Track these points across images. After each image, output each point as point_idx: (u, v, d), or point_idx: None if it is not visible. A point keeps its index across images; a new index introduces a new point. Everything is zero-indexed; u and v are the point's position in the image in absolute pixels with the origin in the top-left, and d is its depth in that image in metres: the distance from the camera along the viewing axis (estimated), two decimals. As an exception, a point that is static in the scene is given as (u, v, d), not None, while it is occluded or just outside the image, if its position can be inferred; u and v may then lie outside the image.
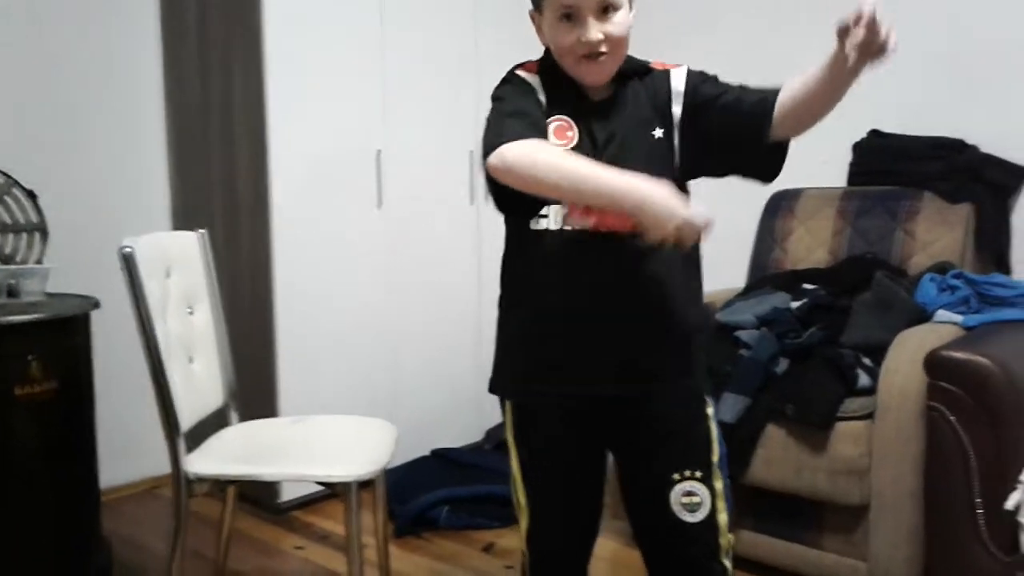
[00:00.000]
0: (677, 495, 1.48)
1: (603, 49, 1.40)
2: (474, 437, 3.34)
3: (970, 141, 2.71)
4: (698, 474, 1.48)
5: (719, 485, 1.51)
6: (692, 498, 1.48)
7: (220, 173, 2.94)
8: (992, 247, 2.62)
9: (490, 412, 3.36)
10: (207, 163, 2.98)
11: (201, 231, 2.25)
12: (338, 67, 2.89)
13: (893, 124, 2.88)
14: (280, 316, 2.81)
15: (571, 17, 1.39)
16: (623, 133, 1.43)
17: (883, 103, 2.92)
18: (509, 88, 1.49)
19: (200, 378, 2.14)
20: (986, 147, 2.69)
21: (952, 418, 1.95)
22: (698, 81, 1.47)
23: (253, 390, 2.78)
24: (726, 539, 1.51)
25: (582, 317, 1.44)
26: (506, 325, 1.58)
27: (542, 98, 1.46)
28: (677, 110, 1.46)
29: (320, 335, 2.90)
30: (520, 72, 1.52)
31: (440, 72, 3.20)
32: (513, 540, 2.69)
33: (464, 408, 3.33)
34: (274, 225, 2.78)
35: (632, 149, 1.42)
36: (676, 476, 1.48)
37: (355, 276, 2.98)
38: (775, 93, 1.39)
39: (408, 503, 2.76)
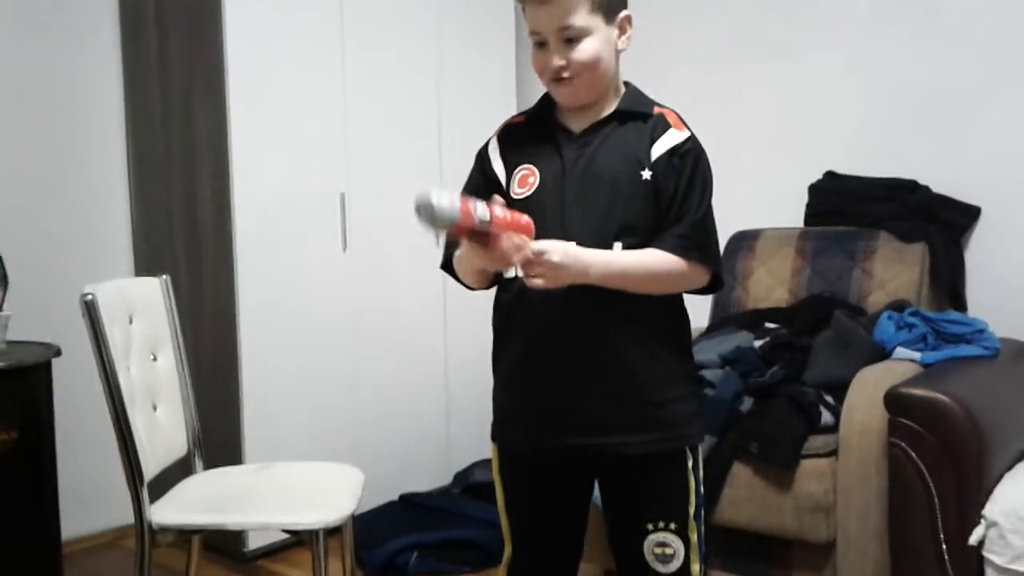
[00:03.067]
0: (650, 545, 1.51)
1: (565, 75, 1.47)
2: (443, 481, 3.32)
3: (922, 182, 2.78)
4: (672, 526, 1.50)
5: (694, 537, 1.52)
6: (665, 549, 1.50)
7: (183, 218, 2.93)
8: (947, 285, 2.69)
9: (459, 455, 3.35)
10: (169, 207, 2.97)
11: (164, 276, 2.24)
12: (301, 109, 2.91)
13: (847, 165, 2.96)
14: (245, 361, 2.79)
15: (543, 44, 1.49)
16: (602, 167, 1.48)
17: (837, 144, 3.00)
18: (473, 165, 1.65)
19: (164, 426, 2.11)
20: (938, 187, 2.77)
21: (913, 454, 1.99)
22: (680, 160, 1.47)
23: (218, 437, 2.74)
24: None
25: (540, 366, 1.50)
26: (494, 369, 1.62)
27: (496, 161, 1.58)
28: (657, 159, 1.48)
29: (285, 380, 2.88)
30: (490, 138, 1.63)
31: (404, 114, 3.22)
32: (482, 585, 2.68)
33: (432, 452, 3.32)
34: (238, 269, 2.77)
35: (615, 186, 1.47)
36: (650, 527, 1.50)
37: (320, 320, 2.97)
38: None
39: (377, 549, 2.73)
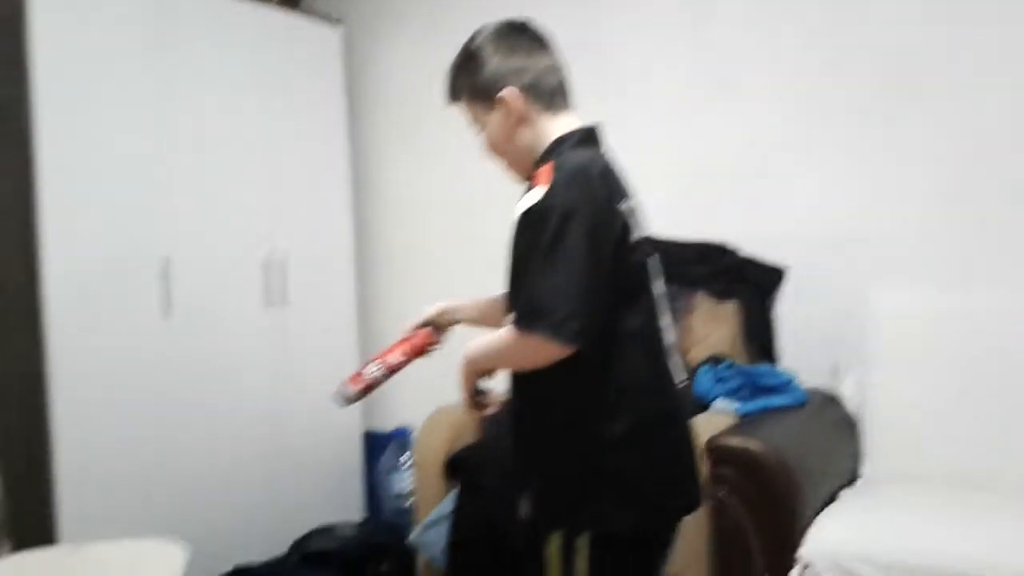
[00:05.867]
0: None
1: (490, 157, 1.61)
2: (279, 550, 3.20)
3: (731, 244, 2.97)
4: None
5: None
6: None
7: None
8: (757, 339, 2.87)
9: (297, 522, 3.24)
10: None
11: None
12: (119, 168, 2.77)
13: (664, 230, 3.12)
14: (58, 435, 2.59)
15: None
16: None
17: (654, 211, 3.15)
18: None
19: (-36, 509, 1.94)
20: (745, 249, 2.97)
21: (733, 501, 2.10)
22: (526, 220, 1.46)
23: (29, 517, 2.54)
24: None
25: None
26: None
27: None
28: (515, 227, 1.51)
29: (104, 453, 2.70)
30: None
31: (229, 169, 3.13)
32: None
33: (268, 521, 3.19)
34: (49, 336, 2.59)
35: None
36: None
37: (141, 389, 2.81)
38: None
39: (205, 629, 2.59)
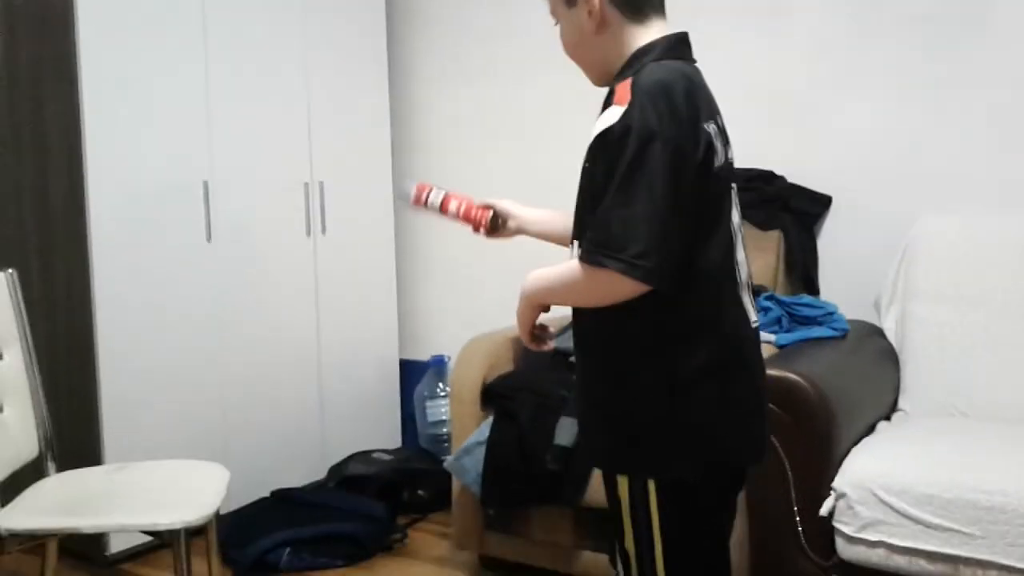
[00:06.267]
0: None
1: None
2: (317, 475, 3.27)
3: (779, 172, 2.91)
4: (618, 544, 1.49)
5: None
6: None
7: (34, 208, 2.77)
8: (800, 270, 2.82)
9: (335, 448, 3.30)
10: (17, 195, 2.80)
11: (9, 271, 2.12)
12: (160, 94, 2.79)
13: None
14: (102, 358, 2.66)
15: None
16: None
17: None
18: None
19: (11, 427, 2.00)
20: (793, 178, 2.90)
21: (770, 431, 2.08)
22: (603, 143, 1.33)
23: (74, 438, 2.62)
24: None
25: None
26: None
27: None
28: (590, 145, 1.37)
29: (147, 377, 2.77)
30: None
31: (270, 97, 3.12)
32: (356, 578, 2.66)
33: (306, 446, 3.26)
34: (94, 262, 2.64)
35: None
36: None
37: (184, 313, 2.87)
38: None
39: (246, 547, 2.66)
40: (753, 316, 1.47)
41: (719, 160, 1.36)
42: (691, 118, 1.30)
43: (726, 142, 1.42)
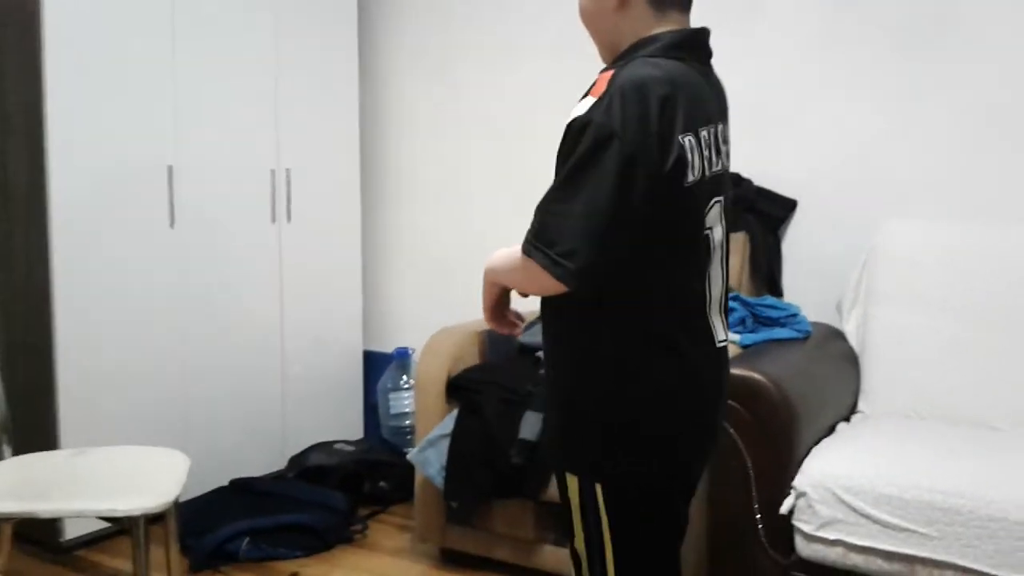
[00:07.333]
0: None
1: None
2: (278, 465, 3.24)
3: (745, 175, 2.94)
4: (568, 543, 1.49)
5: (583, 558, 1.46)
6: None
7: (-8, 187, 2.71)
8: (764, 272, 2.85)
9: (296, 438, 3.27)
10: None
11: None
12: (126, 75, 2.73)
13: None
14: (60, 341, 2.61)
15: None
16: None
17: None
18: None
19: (-34, 410, 1.96)
20: (759, 181, 2.93)
21: (732, 431, 2.10)
22: (566, 135, 1.31)
23: (30, 422, 2.57)
24: None
25: None
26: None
27: None
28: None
29: (106, 362, 2.72)
30: None
31: (237, 81, 3.08)
32: (318, 569, 2.64)
33: (267, 435, 3.22)
34: (53, 243, 2.58)
35: None
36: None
37: (144, 299, 2.81)
38: None
39: (205, 536, 2.63)
40: (720, 335, 1.44)
41: (693, 174, 1.30)
42: (661, 127, 1.26)
43: (717, 152, 1.37)
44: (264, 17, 3.15)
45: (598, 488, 1.40)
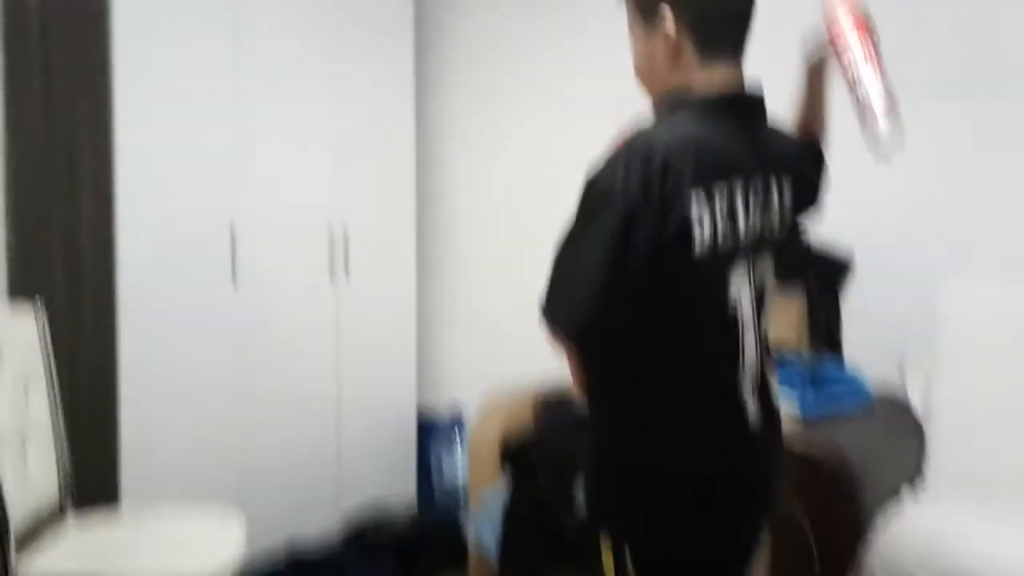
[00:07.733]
0: None
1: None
2: (330, 523, 3.23)
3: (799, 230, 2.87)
4: None
5: None
6: None
7: (61, 244, 2.76)
8: (823, 330, 2.78)
9: (351, 495, 3.28)
10: (48, 231, 2.79)
11: (37, 299, 2.09)
12: (192, 134, 2.79)
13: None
14: (124, 399, 2.65)
15: None
16: None
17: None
18: None
19: (33, 470, 1.99)
20: (814, 233, 2.84)
21: (795, 507, 2.05)
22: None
23: (91, 478, 2.59)
24: None
25: None
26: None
27: None
28: None
29: (167, 420, 2.76)
30: None
31: (300, 136, 3.13)
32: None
33: (321, 492, 3.23)
34: (120, 301, 2.64)
35: None
36: None
37: (207, 358, 2.86)
38: None
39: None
40: (753, 416, 1.38)
41: (702, 247, 1.26)
42: (664, 191, 1.23)
43: (746, 206, 1.32)
44: (320, 81, 3.20)
45: (627, 550, 1.37)
